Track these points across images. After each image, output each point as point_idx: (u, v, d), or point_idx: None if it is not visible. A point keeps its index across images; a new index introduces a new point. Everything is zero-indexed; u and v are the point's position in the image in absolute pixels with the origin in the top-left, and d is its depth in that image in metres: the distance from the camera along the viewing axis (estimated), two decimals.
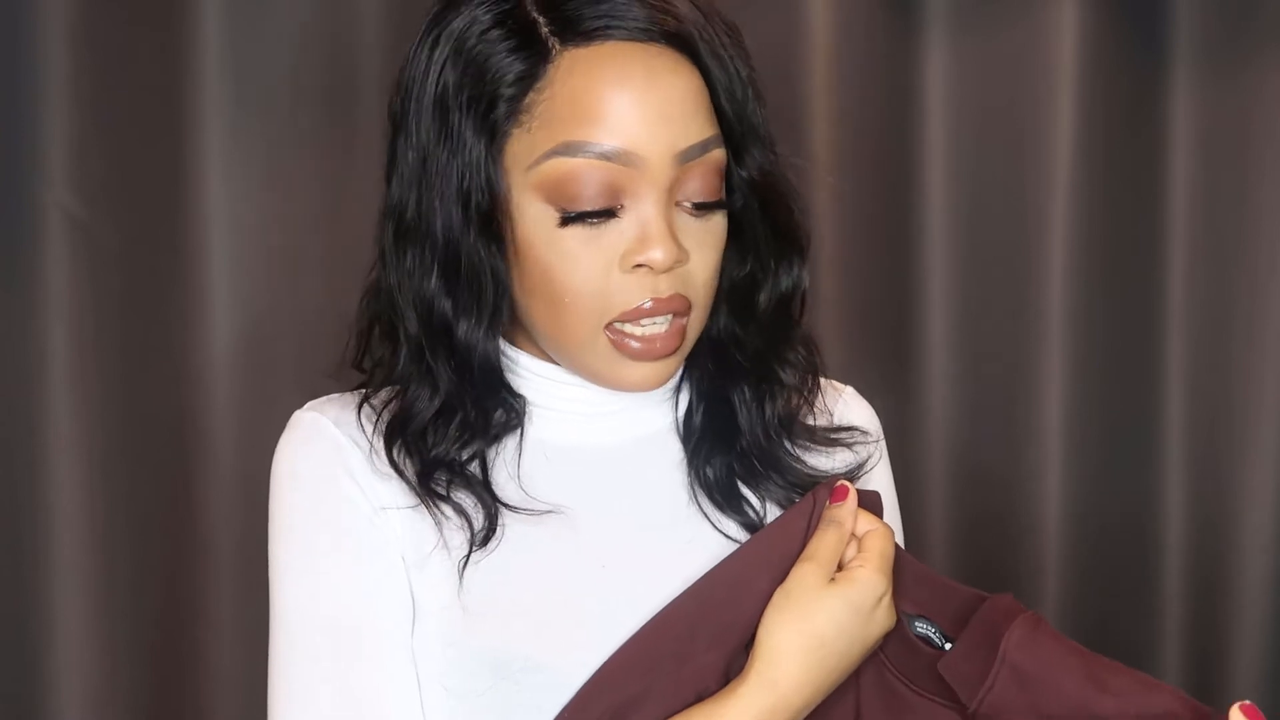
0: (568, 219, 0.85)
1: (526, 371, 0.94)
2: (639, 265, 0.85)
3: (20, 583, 1.41)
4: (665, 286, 0.86)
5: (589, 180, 0.84)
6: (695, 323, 0.90)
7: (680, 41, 0.86)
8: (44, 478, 1.41)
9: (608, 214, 0.85)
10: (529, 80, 0.86)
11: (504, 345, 0.94)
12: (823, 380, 1.03)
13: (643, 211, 0.85)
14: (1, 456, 1.41)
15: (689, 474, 0.94)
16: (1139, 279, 1.75)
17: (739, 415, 0.94)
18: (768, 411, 0.95)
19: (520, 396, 0.93)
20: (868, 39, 1.64)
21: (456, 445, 0.91)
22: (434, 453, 0.90)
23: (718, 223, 0.89)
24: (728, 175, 0.89)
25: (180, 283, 1.45)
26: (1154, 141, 1.74)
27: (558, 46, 0.86)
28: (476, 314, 0.90)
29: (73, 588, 1.41)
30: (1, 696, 1.42)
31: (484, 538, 0.89)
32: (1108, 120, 1.71)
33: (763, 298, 0.94)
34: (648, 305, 0.86)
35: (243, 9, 1.45)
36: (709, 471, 0.93)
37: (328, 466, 0.91)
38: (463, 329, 0.90)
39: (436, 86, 0.89)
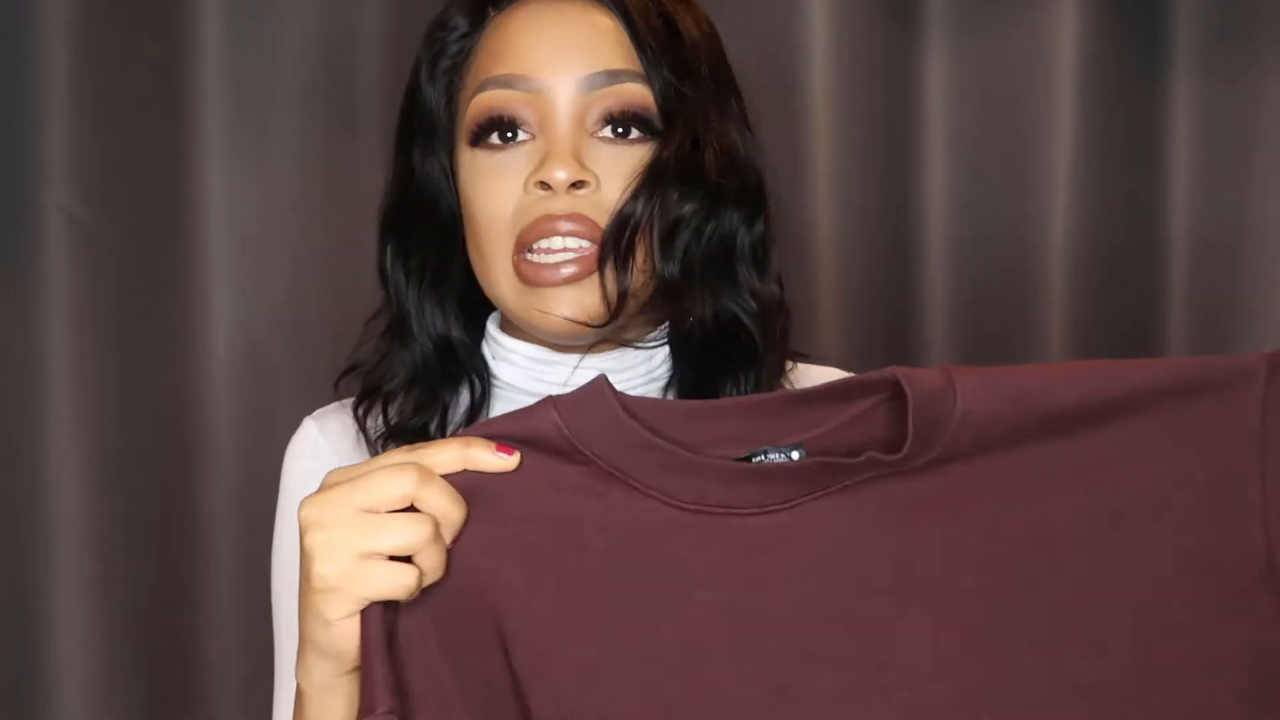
0: (475, 141, 0.90)
1: (511, 354, 0.95)
2: (539, 183, 0.87)
3: (20, 582, 1.41)
4: (564, 205, 0.87)
5: (495, 108, 0.89)
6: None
7: None
8: (44, 477, 1.41)
9: (511, 136, 0.89)
10: (466, 45, 0.93)
11: (491, 329, 0.96)
12: (840, 372, 1.04)
13: (549, 135, 0.88)
14: (1, 456, 1.41)
15: None
16: (1139, 278, 1.75)
17: None
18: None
19: (484, 373, 0.96)
20: (868, 39, 1.64)
21: (416, 417, 0.94)
22: (395, 422, 0.94)
23: (643, 155, 0.89)
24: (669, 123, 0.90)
25: (180, 283, 1.45)
26: (1154, 142, 1.74)
27: (491, 13, 0.93)
28: (424, 278, 0.95)
29: (72, 587, 1.41)
30: (1, 695, 1.42)
31: None
32: (1108, 120, 1.71)
33: (686, 237, 0.90)
34: (545, 224, 0.86)
35: (243, 10, 1.45)
36: None
37: (309, 482, 0.93)
38: (411, 297, 0.95)
39: (413, 79, 0.96)
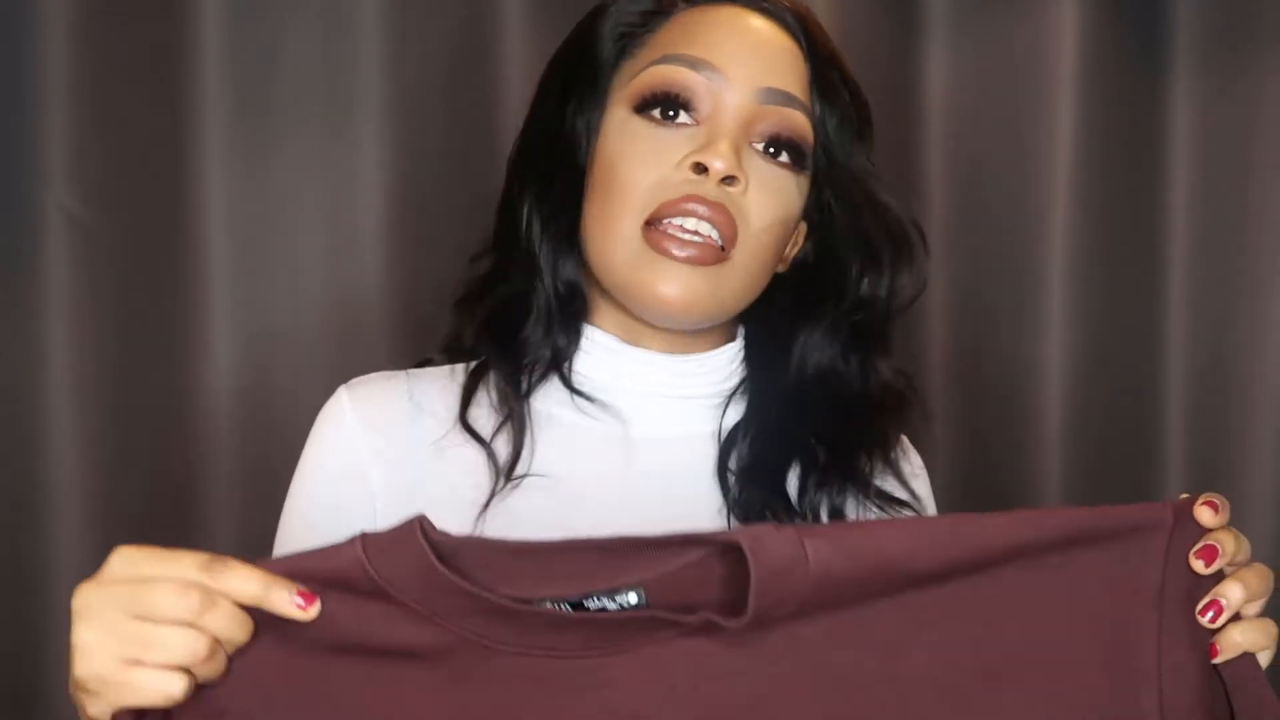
0: (641, 108, 0.91)
1: (586, 340, 0.96)
2: (696, 165, 0.88)
3: (20, 583, 1.41)
4: (713, 192, 0.88)
5: (674, 82, 0.90)
6: (740, 271, 0.91)
7: (791, 23, 0.94)
8: (43, 478, 1.41)
9: (676, 113, 0.90)
10: (651, 21, 0.94)
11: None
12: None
13: (715, 126, 0.90)
14: (1, 455, 1.41)
15: (719, 490, 0.94)
16: (1139, 278, 1.75)
17: (796, 466, 0.94)
18: (823, 462, 0.94)
19: (574, 333, 0.96)
20: (868, 39, 1.64)
21: (532, 354, 0.95)
22: (516, 342, 0.95)
23: (788, 181, 0.92)
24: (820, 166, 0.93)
25: (180, 283, 1.45)
26: (1154, 142, 1.74)
27: (682, 5, 0.95)
28: (559, 224, 0.95)
29: (73, 587, 1.41)
30: (2, 694, 1.42)
31: (508, 471, 0.92)
32: (1108, 120, 1.71)
33: (880, 287, 0.98)
34: (690, 203, 0.88)
35: (243, 10, 1.45)
36: (744, 497, 0.93)
37: (328, 450, 0.95)
38: (544, 239, 0.95)
39: (585, 35, 0.97)
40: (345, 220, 1.49)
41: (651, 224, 0.89)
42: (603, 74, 0.95)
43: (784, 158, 0.92)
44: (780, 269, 0.98)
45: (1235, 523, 1.85)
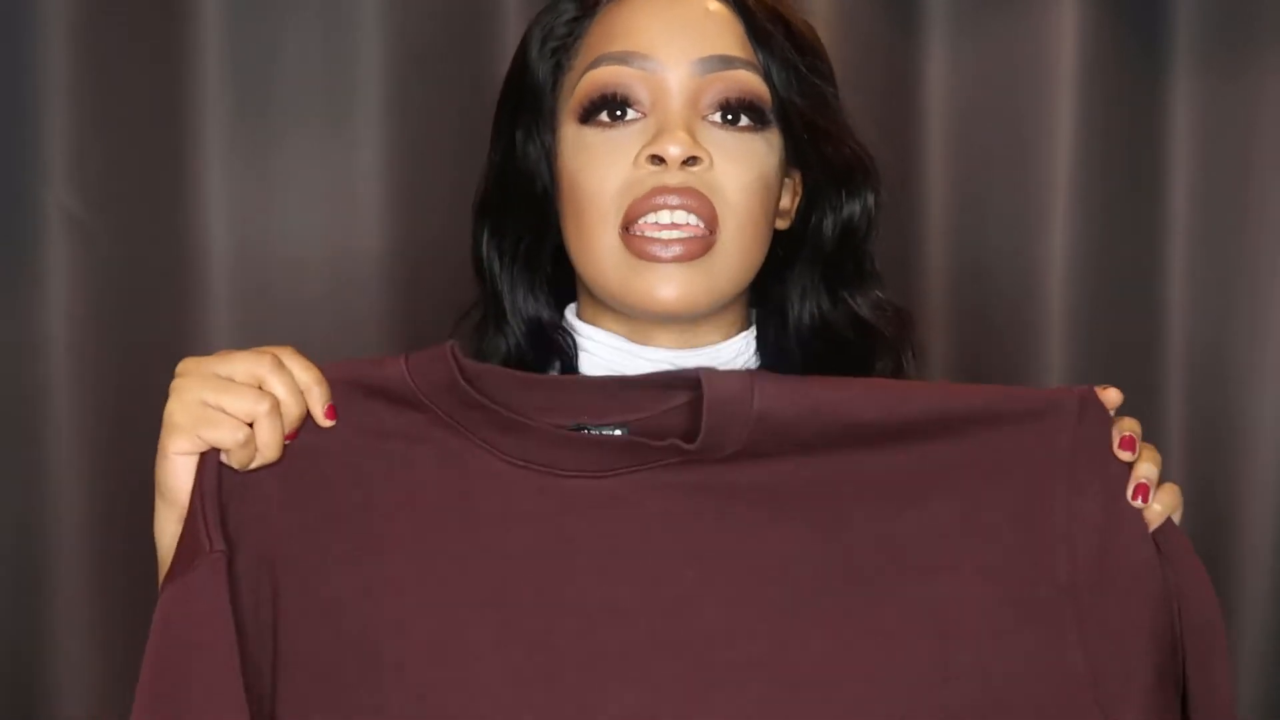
0: (586, 118, 0.91)
1: (588, 341, 0.95)
2: (651, 157, 0.88)
3: (20, 583, 1.41)
4: (678, 179, 0.87)
5: (608, 84, 0.90)
6: (731, 248, 0.90)
7: None
8: (43, 477, 1.41)
9: (622, 112, 0.90)
10: (577, 28, 0.94)
11: (571, 319, 0.98)
12: None
13: (662, 113, 0.89)
14: (1, 456, 1.41)
15: None
16: (1139, 279, 1.75)
17: None
18: None
19: (572, 358, 0.96)
20: (868, 39, 1.64)
21: None
22: None
23: (753, 143, 0.91)
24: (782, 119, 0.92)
25: (180, 282, 1.45)
26: (1154, 142, 1.74)
27: (603, 3, 0.94)
28: (516, 259, 0.97)
29: (73, 589, 1.41)
30: (1, 694, 1.42)
31: None
32: (1108, 120, 1.71)
33: (827, 224, 0.96)
34: (658, 197, 0.87)
35: (243, 10, 1.45)
36: None
37: None
38: (504, 280, 0.97)
39: (519, 61, 0.97)
40: (345, 220, 1.49)
41: (629, 228, 0.88)
42: (544, 95, 0.94)
43: (743, 121, 0.90)
44: (781, 225, 0.97)
45: (1236, 520, 1.85)
